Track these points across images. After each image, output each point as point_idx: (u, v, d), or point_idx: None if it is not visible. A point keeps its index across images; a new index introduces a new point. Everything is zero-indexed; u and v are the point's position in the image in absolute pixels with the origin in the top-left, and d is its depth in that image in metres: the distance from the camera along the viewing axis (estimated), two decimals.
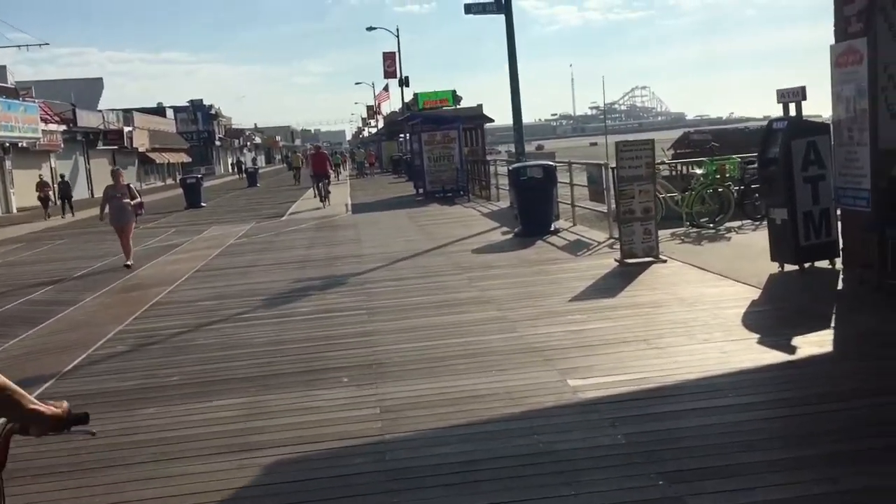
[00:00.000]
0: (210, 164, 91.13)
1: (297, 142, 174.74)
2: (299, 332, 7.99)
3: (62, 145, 45.37)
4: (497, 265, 11.24)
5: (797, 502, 3.74)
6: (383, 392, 5.83)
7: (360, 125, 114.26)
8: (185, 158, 77.66)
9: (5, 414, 2.17)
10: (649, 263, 10.21)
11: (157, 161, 66.94)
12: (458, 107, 40.23)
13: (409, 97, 47.38)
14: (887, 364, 5.59)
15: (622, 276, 9.66)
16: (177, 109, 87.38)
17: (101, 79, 59.56)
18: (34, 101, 42.23)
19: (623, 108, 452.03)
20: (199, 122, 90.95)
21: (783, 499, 3.79)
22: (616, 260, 10.64)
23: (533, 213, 14.18)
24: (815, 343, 6.17)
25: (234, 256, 14.73)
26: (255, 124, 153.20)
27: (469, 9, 17.14)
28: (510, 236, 14.33)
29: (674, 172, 17.62)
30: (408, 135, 46.66)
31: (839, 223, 8.70)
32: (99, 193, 24.75)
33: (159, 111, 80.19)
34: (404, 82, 49.63)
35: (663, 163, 13.12)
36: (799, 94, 8.48)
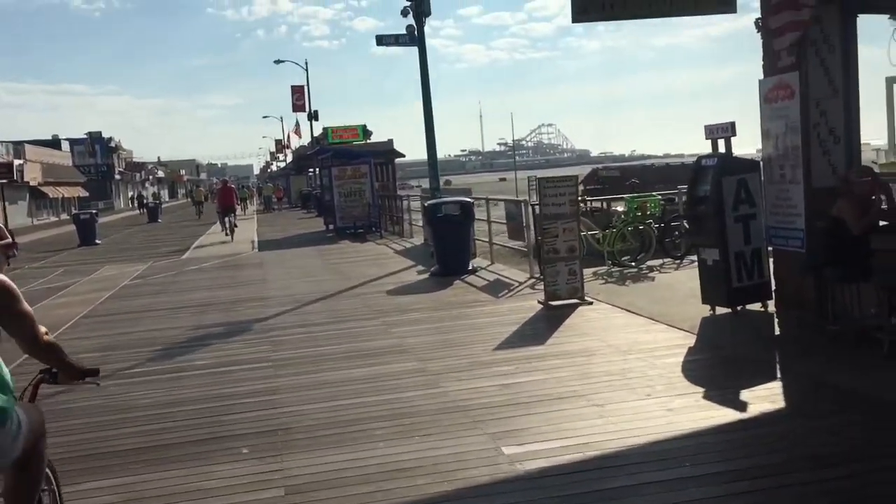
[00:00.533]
0: (109, 199, 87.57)
1: (203, 175, 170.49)
2: (194, 390, 7.08)
3: None
4: (414, 308, 10.54)
5: None
6: (290, 466, 5.02)
7: (269, 159, 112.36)
8: (81, 193, 74.23)
9: (52, 363, 3.27)
10: (575, 306, 9.70)
11: (51, 195, 63.60)
12: (368, 141, 39.58)
13: (318, 131, 46.52)
14: (845, 422, 5.13)
15: (548, 321, 9.10)
16: (74, 142, 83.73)
17: None
18: None
19: (530, 144, 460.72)
20: (97, 155, 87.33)
21: None
22: (540, 302, 10.10)
23: (450, 251, 13.57)
24: (765, 398, 5.69)
25: (127, 300, 13.56)
26: (159, 158, 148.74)
27: (381, 40, 16.58)
28: (426, 276, 13.66)
29: (588, 209, 17.35)
30: (317, 169, 45.76)
31: (771, 264, 8.38)
32: None
33: (54, 143, 76.65)
34: (313, 116, 48.77)
35: (583, 200, 12.77)
36: (728, 130, 8.17)
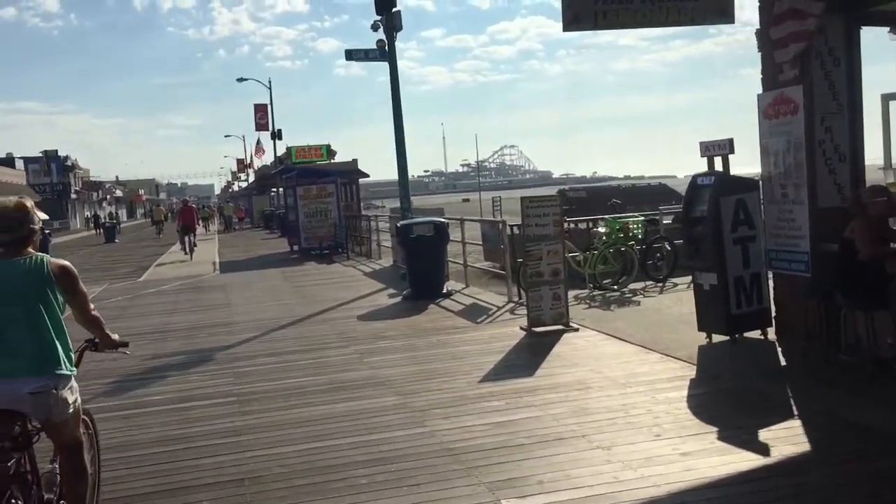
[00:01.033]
0: (65, 219, 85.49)
1: (163, 195, 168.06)
2: (150, 431, 6.37)
3: None
4: (388, 335, 9.91)
5: None
6: None
7: (230, 179, 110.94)
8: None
9: (96, 333, 4.22)
10: (560, 332, 9.16)
11: None
12: (332, 161, 38.97)
13: (281, 150, 45.76)
14: (885, 469, 4.63)
15: (534, 349, 8.55)
16: (28, 160, 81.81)
17: None
18: None
19: (493, 165, 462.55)
20: (53, 173, 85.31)
21: None
22: (522, 328, 9.55)
23: (423, 274, 12.98)
24: (786, 439, 5.18)
25: (78, 326, 12.71)
26: (117, 177, 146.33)
27: (350, 55, 16.03)
28: (398, 299, 13.05)
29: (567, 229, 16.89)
30: (281, 189, 44.94)
31: (771, 289, 7.93)
32: None
33: (8, 162, 74.79)
34: (277, 135, 47.98)
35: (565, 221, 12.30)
36: (726, 148, 7.73)
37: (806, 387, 6.34)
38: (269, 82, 50.08)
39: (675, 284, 12.31)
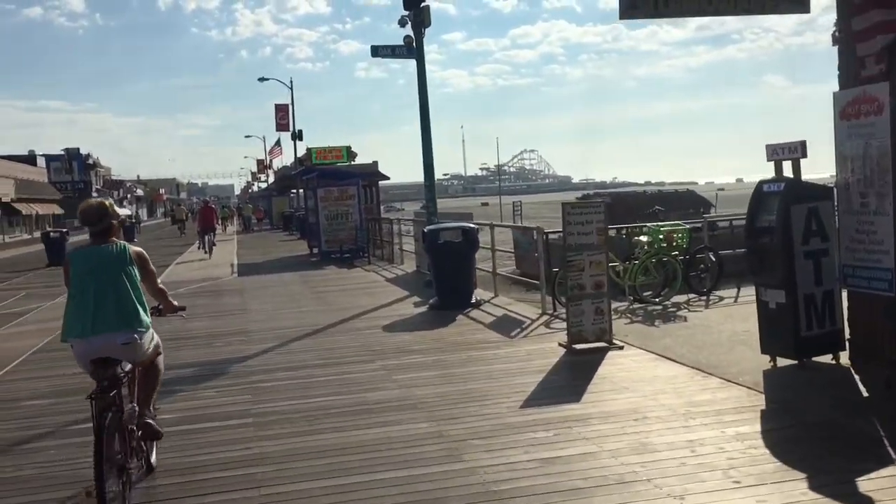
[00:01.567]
0: None
1: (183, 195, 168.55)
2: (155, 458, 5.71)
3: None
4: (416, 349, 9.22)
5: None
6: None
7: (250, 180, 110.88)
8: (56, 210, 72.32)
9: (161, 301, 5.42)
10: (603, 350, 8.44)
11: (24, 212, 61.73)
12: (352, 163, 38.39)
13: (301, 151, 45.26)
14: None
15: (577, 369, 7.83)
16: (50, 158, 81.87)
17: None
18: None
19: (512, 169, 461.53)
20: (74, 171, 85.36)
21: None
22: (561, 344, 8.83)
23: (451, 282, 12.29)
24: (893, 491, 4.43)
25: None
26: (139, 176, 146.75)
27: (377, 51, 15.36)
28: (424, 309, 12.36)
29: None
30: (301, 190, 44.41)
31: (845, 309, 7.16)
32: None
33: (29, 159, 74.84)
34: (297, 135, 47.46)
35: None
36: (797, 151, 6.97)
37: None
38: (291, 82, 49.57)
39: (721, 298, 11.55)
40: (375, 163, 39.62)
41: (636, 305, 11.18)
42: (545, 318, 10.68)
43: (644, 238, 11.39)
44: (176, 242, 39.02)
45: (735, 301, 11.34)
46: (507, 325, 10.40)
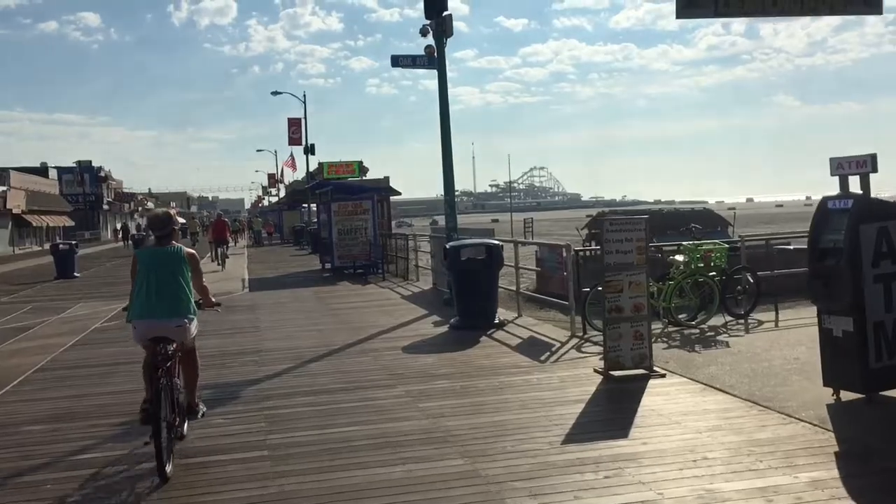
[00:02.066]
0: (96, 230, 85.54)
1: (194, 208, 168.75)
2: (157, 500, 5.14)
3: None
4: (442, 373, 8.64)
5: None
6: None
7: (261, 194, 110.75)
8: (67, 222, 72.26)
9: (202, 297, 6.22)
10: (644, 378, 7.84)
11: (35, 224, 61.57)
12: (363, 178, 37.96)
13: (314, 166, 44.90)
14: None
15: (618, 399, 7.23)
16: (62, 170, 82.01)
17: None
18: None
19: (522, 186, 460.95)
20: (86, 184, 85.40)
21: None
22: (597, 371, 8.24)
23: (473, 301, 11.71)
24: None
25: (96, 347, 11.62)
26: (150, 189, 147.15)
27: (397, 61, 14.89)
28: (445, 329, 11.79)
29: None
30: (312, 205, 43.96)
31: None
32: None
33: (42, 171, 74.85)
34: (310, 149, 47.12)
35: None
36: (867, 165, 6.39)
37: None
38: (304, 96, 49.34)
39: (760, 322, 10.95)
40: (387, 178, 39.18)
41: (671, 328, 10.58)
42: (575, 340, 10.09)
43: (680, 257, 10.79)
44: None
45: (776, 325, 10.74)
46: (535, 349, 9.80)
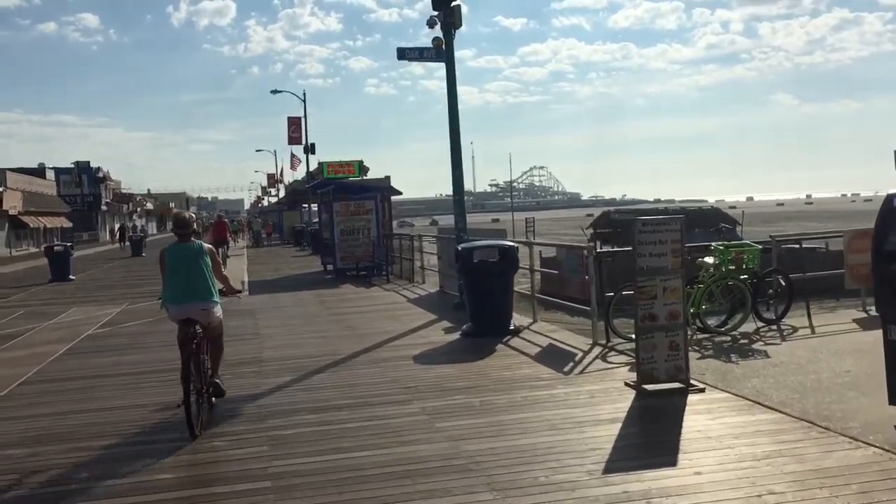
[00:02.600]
0: (94, 230, 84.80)
1: (193, 209, 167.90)
2: None
3: None
4: (458, 386, 7.96)
5: None
6: None
7: (260, 194, 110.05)
8: (65, 223, 71.47)
9: (223, 284, 7.33)
10: (681, 393, 7.16)
11: (32, 225, 60.83)
12: (364, 177, 37.27)
13: (314, 166, 44.19)
14: None
15: (657, 418, 6.56)
16: (59, 171, 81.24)
17: None
18: None
19: (522, 186, 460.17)
20: (84, 185, 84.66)
21: None
22: (629, 384, 7.56)
23: (486, 306, 11.02)
24: None
25: (86, 356, 10.93)
26: (149, 190, 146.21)
27: (403, 54, 14.19)
28: (456, 335, 11.09)
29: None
30: (311, 205, 43.24)
31: None
32: None
33: (39, 172, 74.10)
34: (310, 149, 46.42)
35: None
36: None
37: None
38: (304, 94, 48.61)
39: (794, 329, 10.26)
40: (388, 177, 38.46)
41: (701, 336, 9.89)
42: (598, 349, 9.41)
43: (710, 259, 10.10)
44: None
45: (812, 332, 10.05)
46: (556, 358, 9.12)
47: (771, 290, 10.53)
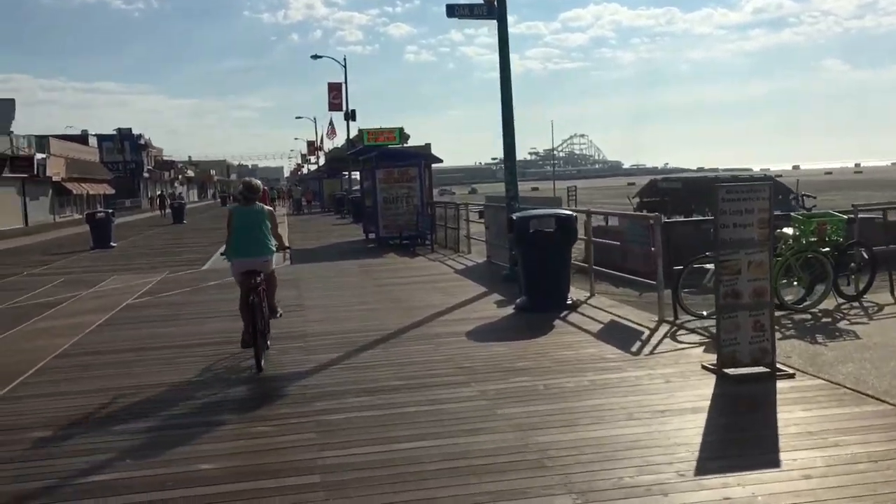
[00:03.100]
0: (136, 197, 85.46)
1: (233, 176, 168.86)
2: None
3: None
4: (518, 367, 7.34)
5: None
6: None
7: (300, 161, 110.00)
8: (108, 190, 71.95)
9: (279, 242, 8.45)
10: (767, 378, 6.47)
11: (75, 192, 61.25)
12: (404, 145, 36.60)
13: (353, 133, 43.64)
14: None
15: (746, 408, 5.88)
16: (102, 138, 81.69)
17: (12, 100, 52.93)
18: None
19: (562, 154, 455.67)
20: (126, 152, 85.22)
21: None
22: (706, 367, 6.89)
23: (543, 279, 10.35)
24: None
25: (124, 328, 10.52)
26: (190, 157, 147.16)
27: (452, 11, 13.41)
28: (510, 310, 10.47)
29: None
30: (352, 173, 42.76)
31: None
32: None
33: (82, 139, 74.56)
34: (350, 115, 45.85)
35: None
36: None
37: None
38: (345, 60, 47.95)
39: (880, 306, 9.47)
40: (428, 145, 37.79)
41: (779, 313, 9.13)
42: (666, 327, 8.72)
43: (789, 230, 9.31)
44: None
45: None
46: (621, 336, 8.45)
47: (853, 264, 9.71)
